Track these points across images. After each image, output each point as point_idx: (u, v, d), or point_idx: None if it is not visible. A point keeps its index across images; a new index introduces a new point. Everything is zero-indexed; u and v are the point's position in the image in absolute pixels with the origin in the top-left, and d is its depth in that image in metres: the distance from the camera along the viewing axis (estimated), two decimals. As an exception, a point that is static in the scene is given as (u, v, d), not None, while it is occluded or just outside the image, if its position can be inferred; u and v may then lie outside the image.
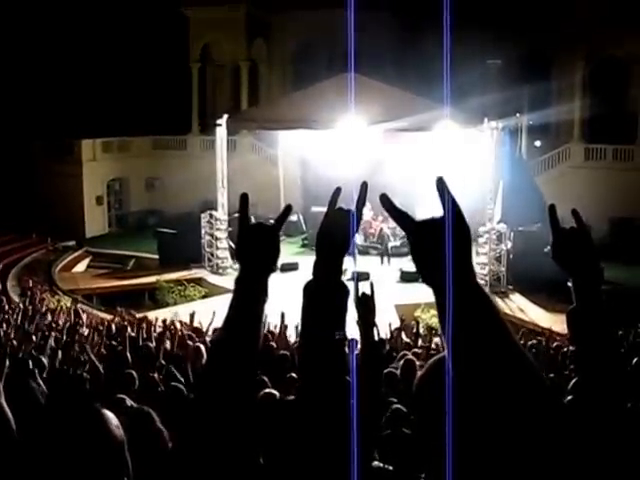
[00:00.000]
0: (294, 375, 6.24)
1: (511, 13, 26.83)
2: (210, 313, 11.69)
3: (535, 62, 28.40)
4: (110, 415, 1.58)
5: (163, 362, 7.09)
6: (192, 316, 12.12)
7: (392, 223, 24.54)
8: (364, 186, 1.78)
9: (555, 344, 10.81)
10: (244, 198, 1.70)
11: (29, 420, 1.77)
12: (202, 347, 7.45)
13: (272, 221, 1.74)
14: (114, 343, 8.93)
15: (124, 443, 1.57)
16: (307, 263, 22.46)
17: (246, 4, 31.49)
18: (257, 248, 1.66)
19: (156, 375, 6.33)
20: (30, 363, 5.77)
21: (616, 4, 25.72)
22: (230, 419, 1.56)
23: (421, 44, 23.05)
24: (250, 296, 1.64)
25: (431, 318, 17.75)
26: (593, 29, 26.24)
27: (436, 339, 11.16)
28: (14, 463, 1.54)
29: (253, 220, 1.75)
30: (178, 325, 12.45)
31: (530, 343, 10.42)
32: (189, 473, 1.55)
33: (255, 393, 4.25)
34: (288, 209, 1.80)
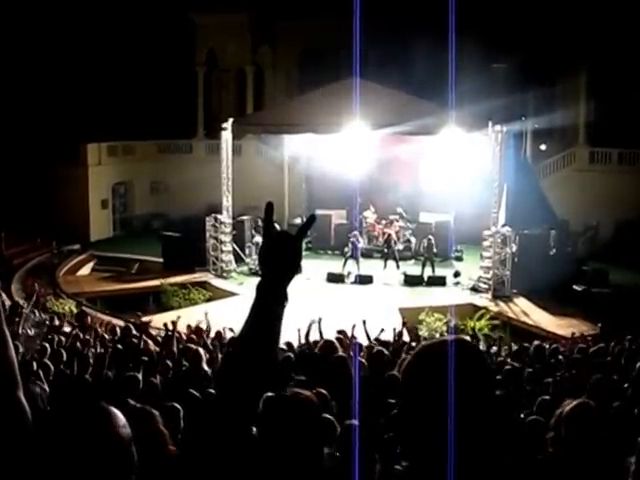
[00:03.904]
0: (303, 378, 6.24)
1: (516, 17, 26.81)
2: (212, 315, 11.70)
3: (540, 66, 28.36)
4: (117, 413, 1.60)
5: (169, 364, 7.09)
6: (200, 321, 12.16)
7: (396, 227, 24.56)
8: (311, 218, 1.84)
9: (554, 346, 10.80)
10: (269, 207, 1.76)
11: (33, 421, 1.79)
12: (201, 350, 7.45)
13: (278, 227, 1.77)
14: (118, 346, 8.92)
15: (131, 441, 1.58)
16: (311, 267, 22.45)
17: (252, 10, 31.55)
18: (281, 255, 1.70)
19: (157, 379, 6.34)
20: (34, 365, 5.79)
21: (621, 6, 25.70)
22: (246, 418, 1.59)
23: (426, 49, 23.06)
24: (271, 301, 1.68)
25: (435, 322, 17.75)
26: (598, 32, 26.23)
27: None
28: (30, 456, 1.56)
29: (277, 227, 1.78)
30: (184, 328, 12.45)
31: (534, 344, 10.40)
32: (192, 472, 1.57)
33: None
34: (312, 218, 1.85)
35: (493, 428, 1.53)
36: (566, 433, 2.95)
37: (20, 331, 10.17)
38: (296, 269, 1.72)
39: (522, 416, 4.89)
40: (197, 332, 11.76)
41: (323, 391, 4.03)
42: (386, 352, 7.76)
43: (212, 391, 5.15)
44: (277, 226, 1.78)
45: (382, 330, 11.12)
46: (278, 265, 1.70)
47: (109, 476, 1.52)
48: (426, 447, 1.54)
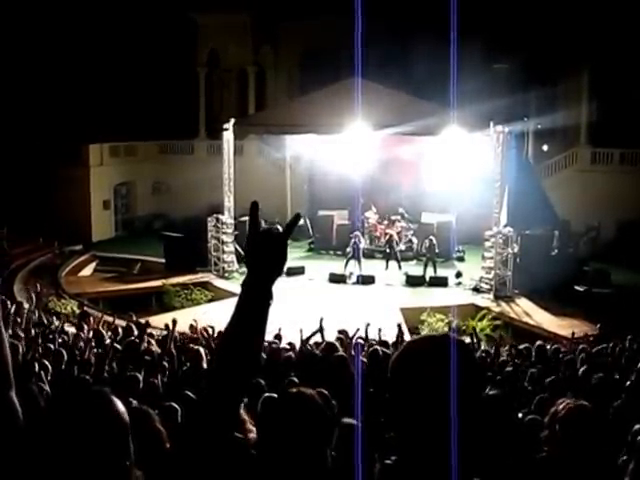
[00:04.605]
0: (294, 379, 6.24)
1: (517, 17, 26.80)
2: (215, 316, 11.72)
3: (542, 66, 28.34)
4: (117, 400, 1.63)
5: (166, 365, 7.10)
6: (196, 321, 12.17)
7: (397, 227, 24.58)
8: (296, 217, 1.88)
9: (555, 346, 10.80)
10: (254, 206, 1.79)
11: (28, 420, 1.80)
12: (202, 350, 7.47)
13: (280, 227, 1.79)
14: (119, 347, 8.94)
15: (129, 428, 1.61)
16: (313, 267, 22.51)
17: (253, 10, 31.57)
18: (265, 254, 1.72)
19: (158, 379, 6.35)
20: (36, 366, 5.79)
21: (622, 6, 25.69)
22: (232, 415, 1.61)
23: (427, 49, 23.05)
24: (256, 300, 1.70)
25: (437, 322, 17.76)
26: (600, 32, 26.22)
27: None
28: (21, 453, 1.58)
29: (263, 225, 1.79)
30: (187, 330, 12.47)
31: (536, 345, 10.40)
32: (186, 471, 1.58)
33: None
34: (297, 217, 1.88)
35: (482, 424, 1.55)
36: (562, 435, 2.96)
37: (21, 331, 10.18)
38: (281, 268, 1.74)
39: (520, 415, 4.90)
40: (202, 333, 11.77)
41: (324, 391, 4.04)
42: (386, 351, 7.77)
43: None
44: (262, 223, 1.79)
45: (380, 330, 11.14)
46: (263, 263, 1.71)
47: (104, 456, 1.55)
48: (414, 441, 1.56)
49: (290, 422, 2.12)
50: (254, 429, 3.56)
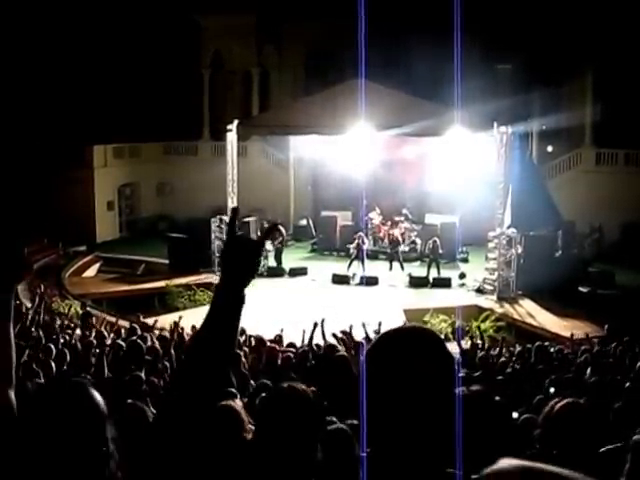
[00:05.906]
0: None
1: (520, 18, 26.78)
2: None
3: (545, 66, 28.30)
4: (95, 392, 1.70)
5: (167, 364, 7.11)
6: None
7: (401, 228, 24.57)
8: (273, 226, 2.02)
9: (557, 347, 10.79)
10: (234, 211, 1.88)
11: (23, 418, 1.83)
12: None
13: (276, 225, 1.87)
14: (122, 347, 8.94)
15: (105, 416, 1.67)
16: (316, 268, 22.42)
17: (257, 12, 31.61)
18: (238, 259, 1.75)
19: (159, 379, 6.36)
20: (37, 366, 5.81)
21: (626, 6, 25.66)
22: (200, 414, 1.64)
23: (430, 50, 23.06)
24: (227, 302, 1.73)
25: (440, 323, 17.74)
26: (604, 32, 26.19)
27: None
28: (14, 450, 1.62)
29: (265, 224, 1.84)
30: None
31: (536, 345, 10.39)
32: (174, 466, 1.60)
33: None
34: (274, 226, 2.01)
35: (460, 416, 1.56)
36: (554, 432, 2.96)
37: (24, 332, 10.20)
38: (252, 274, 1.77)
39: (516, 415, 4.90)
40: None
41: (314, 389, 4.05)
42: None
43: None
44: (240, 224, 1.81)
45: (380, 323, 11.14)
46: (236, 268, 1.75)
47: (82, 441, 1.61)
48: (387, 433, 1.57)
49: (281, 413, 2.16)
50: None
